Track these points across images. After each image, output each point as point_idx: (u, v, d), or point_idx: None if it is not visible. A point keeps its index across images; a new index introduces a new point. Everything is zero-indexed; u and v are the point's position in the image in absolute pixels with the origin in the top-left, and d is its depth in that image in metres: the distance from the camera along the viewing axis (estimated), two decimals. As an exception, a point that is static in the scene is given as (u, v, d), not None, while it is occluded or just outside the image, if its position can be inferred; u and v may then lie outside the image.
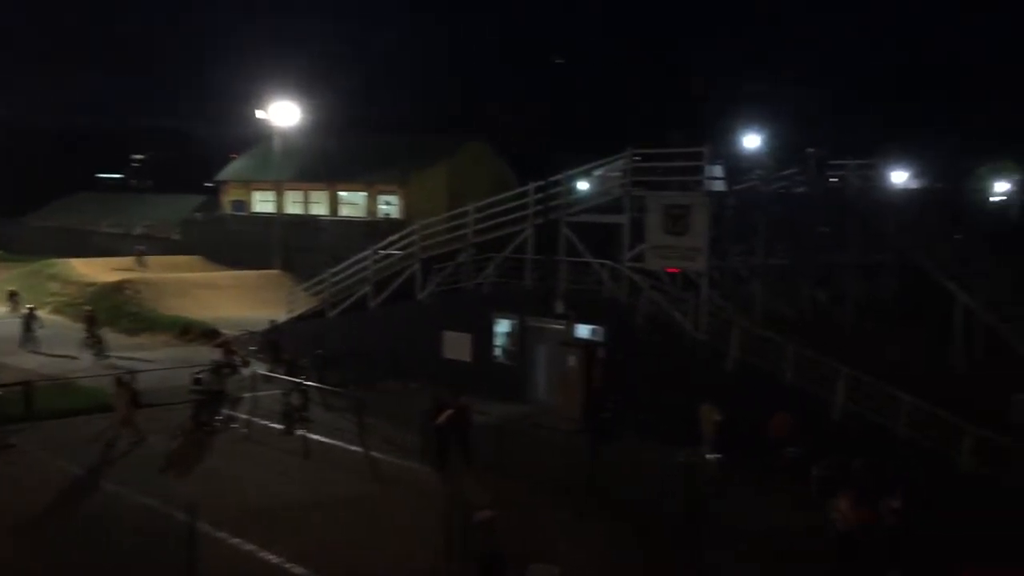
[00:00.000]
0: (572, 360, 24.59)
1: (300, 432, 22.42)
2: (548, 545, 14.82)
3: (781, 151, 30.94)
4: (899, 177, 37.46)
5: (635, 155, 25.81)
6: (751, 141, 33.80)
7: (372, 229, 41.15)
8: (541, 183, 27.31)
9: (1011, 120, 45.62)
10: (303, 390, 23.68)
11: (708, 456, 20.06)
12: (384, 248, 31.35)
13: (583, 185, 29.88)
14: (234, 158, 58.90)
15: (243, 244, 49.17)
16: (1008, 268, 27.94)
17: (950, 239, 28.44)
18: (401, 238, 31.13)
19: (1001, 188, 53.18)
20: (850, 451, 17.35)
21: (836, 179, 29.40)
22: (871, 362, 21.70)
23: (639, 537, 14.63)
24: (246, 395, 24.71)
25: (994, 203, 53.56)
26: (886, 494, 15.16)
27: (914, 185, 39.45)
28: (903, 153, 38.55)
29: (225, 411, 23.67)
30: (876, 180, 30.70)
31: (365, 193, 49.64)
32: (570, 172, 27.75)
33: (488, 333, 27.52)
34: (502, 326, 27.39)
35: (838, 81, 48.47)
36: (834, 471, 16.36)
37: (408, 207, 46.34)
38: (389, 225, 40.48)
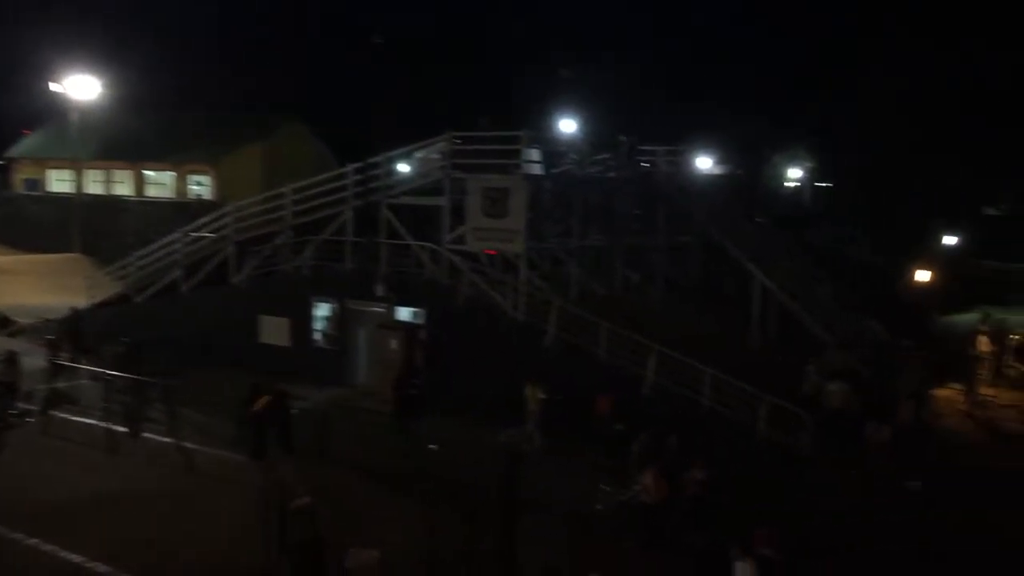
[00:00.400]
0: (393, 343, 24.50)
1: (145, 434, 21.05)
2: (368, 530, 14.76)
3: (595, 136, 31.84)
4: (704, 163, 39.47)
5: (455, 138, 25.93)
6: (567, 126, 34.65)
7: (182, 211, 39.36)
8: (360, 164, 26.99)
9: (804, 111, 48.88)
10: (139, 387, 22.12)
11: (532, 434, 20.59)
12: (196, 230, 30.06)
13: (404, 167, 29.76)
14: (27, 134, 54.83)
15: (40, 226, 45.87)
16: (800, 249, 30.09)
17: (750, 222, 30.31)
18: (214, 220, 29.97)
19: (794, 175, 57.14)
20: (661, 424, 18.16)
21: (647, 164, 30.57)
22: (679, 338, 22.85)
23: (459, 516, 14.80)
24: (42, 387, 23.11)
25: (788, 189, 57.48)
26: (690, 466, 15.91)
27: (717, 171, 41.72)
28: (707, 141, 40.59)
29: (20, 404, 22.05)
30: (683, 166, 32.16)
31: (174, 173, 47.42)
32: (390, 154, 27.56)
33: (307, 317, 26.99)
34: (322, 309, 26.93)
35: (648, 70, 50.41)
36: (650, 446, 17.05)
37: (221, 188, 44.64)
38: (201, 206, 38.76)
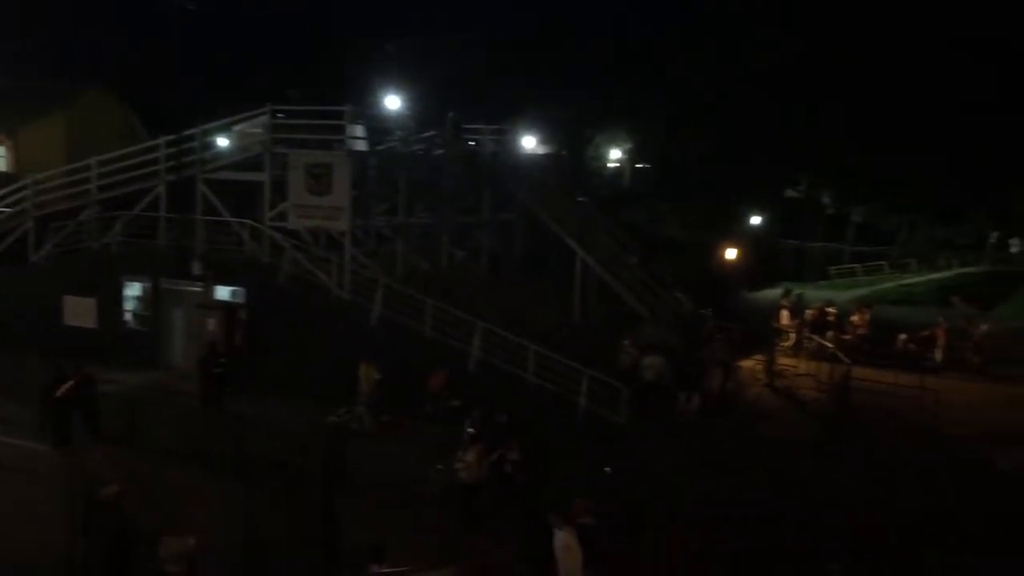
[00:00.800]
0: (211, 323, 23.63)
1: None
2: (186, 517, 14.23)
3: (421, 114, 31.72)
4: (528, 143, 40.08)
5: (276, 111, 25.18)
6: (392, 103, 34.32)
7: (-26, 184, 36.26)
8: (173, 137, 25.77)
9: (622, 94, 50.34)
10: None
11: (363, 414, 20.36)
12: (-11, 205, 27.88)
13: (223, 141, 28.65)
14: None
15: None
16: (619, 227, 31.17)
17: (572, 201, 31.07)
18: (10, 194, 27.87)
19: (615, 156, 58.93)
20: (486, 400, 18.44)
21: (472, 143, 30.78)
22: (504, 315, 23.25)
23: (282, 499, 14.52)
24: None
25: (609, 169, 59.26)
26: (507, 445, 15.97)
27: (541, 151, 42.46)
28: (532, 121, 41.22)
29: None
30: (508, 145, 32.57)
31: (-35, 143, 43.57)
32: (206, 126, 26.45)
33: (117, 297, 25.64)
34: (133, 289, 25.64)
35: (473, 48, 50.51)
36: (481, 424, 17.10)
37: (18, 160, 41.37)
38: (-5, 179, 35.89)
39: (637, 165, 57.52)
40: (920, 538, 15.29)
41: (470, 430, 16.46)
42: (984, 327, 28.44)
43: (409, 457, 17.97)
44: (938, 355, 27.56)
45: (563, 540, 12.37)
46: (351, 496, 14.62)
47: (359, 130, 25.42)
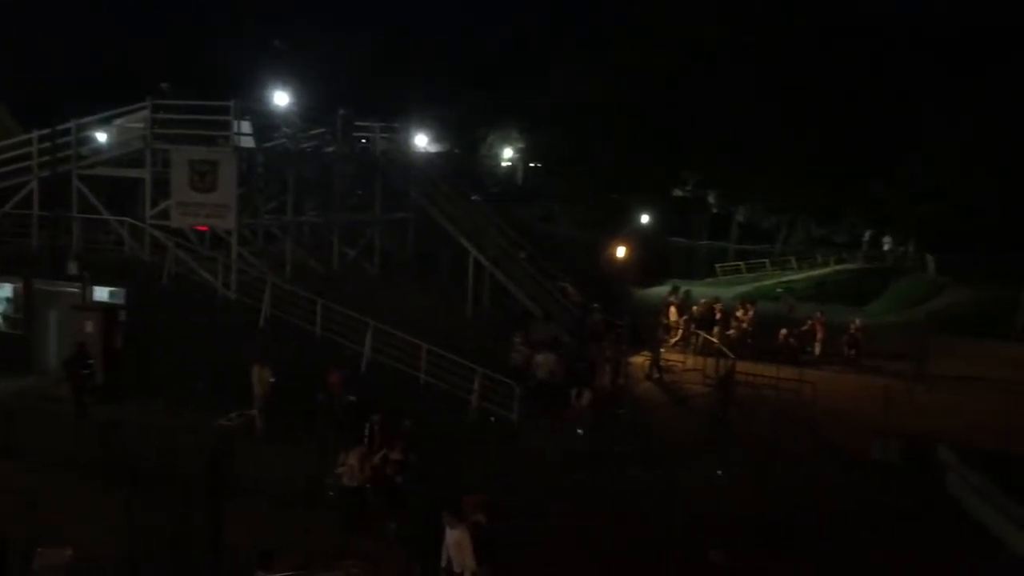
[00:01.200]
0: (89, 325, 22.66)
1: None
2: (61, 527, 13.63)
3: (311, 111, 31.20)
4: (421, 141, 39.97)
5: (157, 106, 24.37)
6: (280, 98, 33.66)
7: None
8: (47, 131, 24.63)
9: (512, 94, 50.70)
10: None
11: (255, 417, 19.84)
12: None
13: (102, 136, 27.58)
14: None
15: None
16: (511, 225, 31.38)
17: (465, 199, 31.14)
18: None
19: (508, 155, 59.31)
20: (379, 400, 18.24)
21: (364, 140, 30.49)
22: (396, 313, 23.10)
23: (162, 504, 14.07)
24: None
25: (502, 168, 59.59)
26: (389, 446, 15.60)
27: (434, 149, 42.44)
28: (424, 119, 41.14)
29: None
30: (400, 143, 32.39)
31: None
32: (82, 121, 25.40)
33: (-15, 299, 24.38)
34: (3, 290, 24.40)
35: (365, 45, 50.07)
36: (380, 426, 16.79)
37: None
38: None
39: (530, 164, 58.02)
40: (799, 525, 15.91)
41: (367, 434, 16.21)
42: (857, 322, 29.79)
43: (303, 459, 17.63)
44: (817, 349, 28.74)
45: (455, 538, 12.40)
46: (241, 500, 14.29)
47: (246, 126, 24.83)
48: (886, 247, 55.95)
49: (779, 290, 43.30)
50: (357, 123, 29.54)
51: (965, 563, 14.55)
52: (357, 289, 25.43)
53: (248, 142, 24.79)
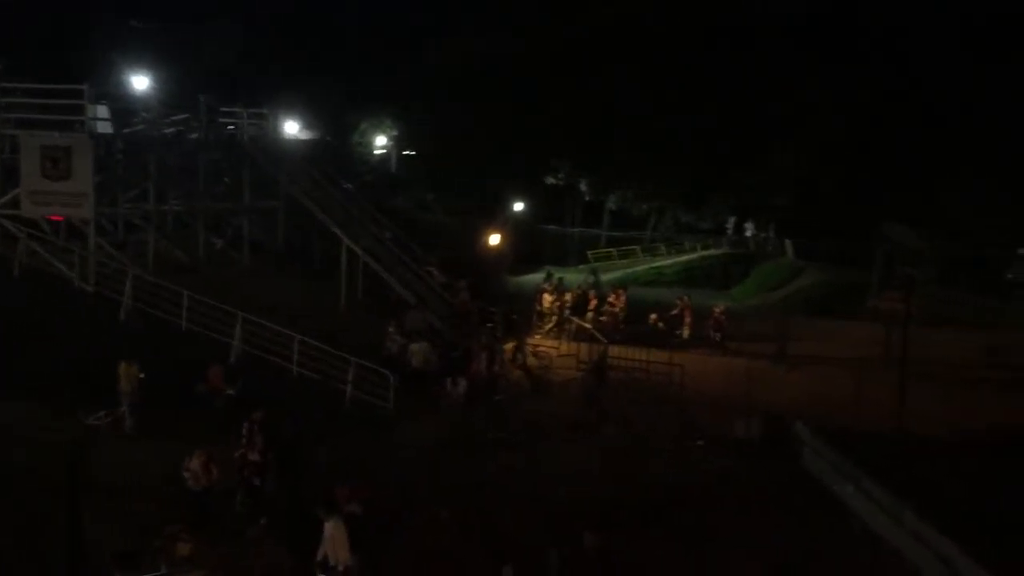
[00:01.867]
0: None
1: None
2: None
3: (173, 95, 30.05)
4: (291, 128, 39.07)
5: (5, 89, 23.01)
6: (139, 83, 32.28)
7: None
8: None
9: (382, 81, 50.08)
10: None
11: (123, 415, 18.96)
12: None
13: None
14: None
15: None
16: (385, 214, 31.13)
17: (337, 187, 30.65)
18: None
19: (381, 142, 58.60)
20: (253, 394, 17.82)
21: (231, 127, 29.62)
22: (267, 304, 22.61)
23: (22, 504, 13.39)
24: None
25: (375, 156, 58.84)
26: (248, 447, 15.11)
27: (305, 136, 41.55)
28: (294, 105, 40.22)
29: None
30: (269, 129, 31.61)
31: None
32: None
33: None
34: None
35: (231, 30, 48.43)
36: (260, 424, 16.21)
37: None
38: None
39: (404, 152, 57.51)
40: (667, 503, 16.45)
41: (245, 432, 15.68)
42: (721, 306, 30.89)
43: (174, 456, 17.00)
44: (685, 332, 29.63)
45: (329, 530, 12.28)
46: (105, 499, 13.72)
47: (102, 111, 23.74)
48: (748, 234, 58.15)
49: (589, 269, 43.60)
50: (223, 109, 28.65)
51: (819, 535, 15.30)
52: (225, 280, 24.75)
53: (105, 127, 23.72)
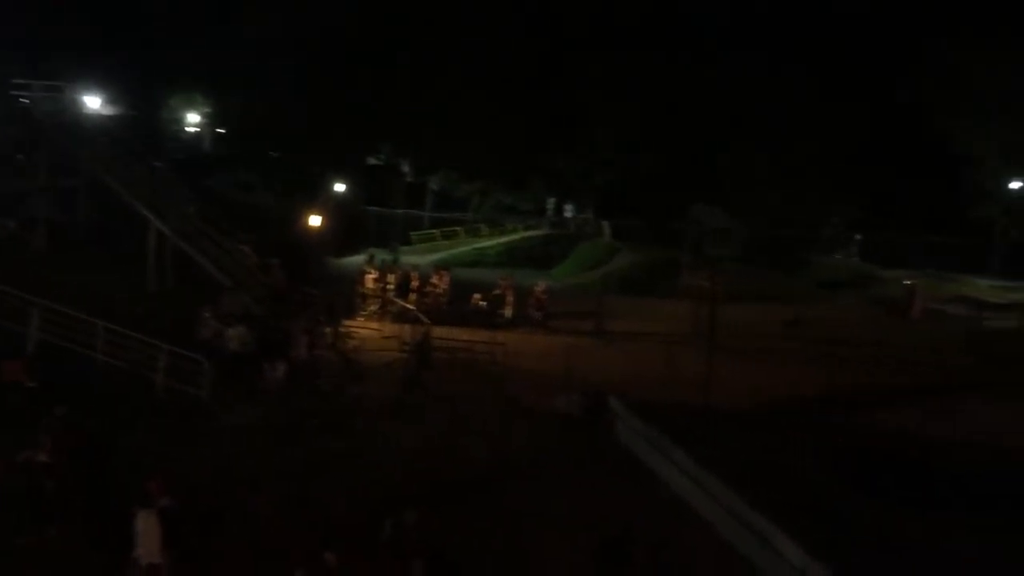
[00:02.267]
0: None
1: None
2: None
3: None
4: (93, 103, 36.74)
5: None
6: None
7: None
8: None
9: (192, 55, 47.59)
10: None
11: None
12: None
13: None
14: None
15: None
16: (199, 194, 29.87)
17: (145, 166, 29.07)
18: None
19: (194, 120, 56.06)
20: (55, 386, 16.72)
21: (25, 100, 27.63)
22: (68, 289, 21.27)
23: None
24: None
25: (188, 133, 56.26)
26: (35, 446, 14.15)
27: (108, 111, 39.18)
28: (96, 79, 37.86)
29: None
30: (68, 104, 29.64)
31: None
32: None
33: None
34: None
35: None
36: (62, 420, 15.11)
37: None
38: None
39: (218, 130, 55.21)
40: (487, 479, 16.73)
41: (44, 435, 14.58)
42: (541, 285, 31.58)
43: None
44: (508, 312, 30.11)
45: (141, 524, 11.82)
46: None
47: None
48: (568, 214, 59.60)
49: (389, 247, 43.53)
50: (15, 81, 26.64)
51: (629, 502, 15.98)
52: (19, 265, 23.04)
53: None
